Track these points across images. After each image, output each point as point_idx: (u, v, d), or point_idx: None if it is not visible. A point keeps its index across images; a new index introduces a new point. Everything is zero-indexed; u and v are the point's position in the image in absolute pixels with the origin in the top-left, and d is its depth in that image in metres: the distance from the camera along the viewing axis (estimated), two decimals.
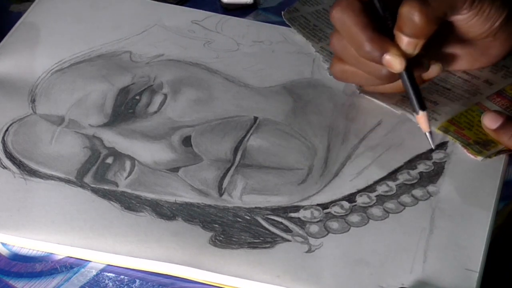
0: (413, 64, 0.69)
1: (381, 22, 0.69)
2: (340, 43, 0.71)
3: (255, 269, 0.63)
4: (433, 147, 0.69)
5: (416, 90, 0.69)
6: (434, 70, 0.72)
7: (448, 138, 0.72)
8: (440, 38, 0.72)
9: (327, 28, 0.83)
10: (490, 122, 0.71)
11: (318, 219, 0.66)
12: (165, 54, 0.81)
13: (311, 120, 0.74)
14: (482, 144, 0.71)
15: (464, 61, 0.74)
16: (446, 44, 0.73)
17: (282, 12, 0.85)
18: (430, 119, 0.72)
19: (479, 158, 0.70)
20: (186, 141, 0.73)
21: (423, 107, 0.68)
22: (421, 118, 0.68)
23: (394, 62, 0.68)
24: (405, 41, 0.68)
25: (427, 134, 0.69)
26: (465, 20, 0.70)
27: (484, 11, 0.69)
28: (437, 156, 0.71)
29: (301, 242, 0.65)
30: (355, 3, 0.69)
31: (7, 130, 0.74)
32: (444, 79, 0.76)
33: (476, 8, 0.69)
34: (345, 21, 0.69)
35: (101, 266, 0.65)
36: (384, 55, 0.67)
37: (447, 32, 0.71)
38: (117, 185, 0.69)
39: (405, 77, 0.68)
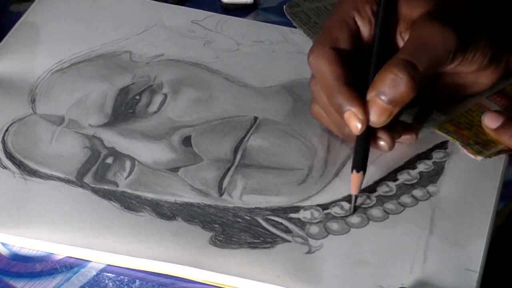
0: (390, 128, 0.67)
1: (356, 77, 0.67)
2: (315, 88, 0.69)
3: (255, 269, 0.63)
4: (351, 211, 0.67)
5: (366, 150, 0.66)
6: (406, 140, 0.70)
7: (448, 138, 0.72)
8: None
9: None
10: (490, 121, 0.70)
11: (318, 220, 0.66)
12: (165, 54, 0.81)
13: (311, 120, 0.74)
14: (482, 144, 0.71)
15: (454, 91, 0.72)
16: (434, 78, 0.70)
17: (284, 6, 0.85)
18: (429, 120, 0.72)
19: (479, 158, 0.70)
20: (186, 141, 0.73)
21: (361, 170, 0.66)
22: (354, 178, 0.66)
23: (353, 122, 0.65)
24: (380, 108, 0.65)
25: (353, 196, 0.66)
26: (450, 69, 0.68)
27: (467, 59, 0.67)
28: (437, 155, 0.71)
29: (301, 243, 0.65)
30: (330, 51, 0.67)
31: (7, 130, 0.74)
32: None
33: (459, 59, 0.67)
34: (320, 68, 0.67)
35: (101, 266, 0.65)
36: (347, 111, 0.65)
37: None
38: (117, 185, 0.69)
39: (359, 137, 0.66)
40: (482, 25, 0.68)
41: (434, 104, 0.74)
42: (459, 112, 0.73)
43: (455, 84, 0.71)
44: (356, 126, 0.65)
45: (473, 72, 0.70)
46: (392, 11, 0.69)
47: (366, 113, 0.65)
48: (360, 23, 0.69)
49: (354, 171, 0.66)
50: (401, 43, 0.69)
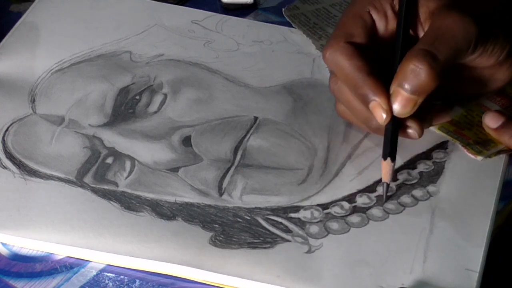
0: (418, 116, 0.67)
1: (374, 70, 0.67)
2: (336, 85, 0.69)
3: (255, 269, 0.63)
4: (384, 198, 0.67)
5: (394, 140, 0.67)
6: (445, 118, 0.70)
7: (448, 138, 0.72)
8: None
9: (327, 26, 0.83)
10: (491, 121, 0.70)
11: (318, 220, 0.66)
12: (165, 54, 0.81)
13: (311, 120, 0.74)
14: (482, 144, 0.71)
15: (471, 86, 0.71)
16: (454, 75, 0.70)
17: (283, 9, 0.85)
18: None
19: (479, 158, 0.70)
20: (186, 141, 0.73)
21: (392, 158, 0.66)
22: (386, 166, 0.66)
23: (379, 112, 0.65)
24: (404, 98, 0.65)
25: (384, 184, 0.67)
26: (469, 61, 0.68)
27: (487, 50, 0.67)
28: (437, 155, 0.71)
29: (301, 242, 0.65)
30: (347, 45, 0.67)
31: (7, 130, 0.74)
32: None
33: (480, 50, 0.67)
34: (339, 63, 0.67)
35: (101, 266, 0.65)
36: (372, 101, 0.65)
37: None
38: (117, 185, 0.69)
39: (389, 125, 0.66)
40: (499, 18, 0.68)
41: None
42: (460, 111, 0.73)
43: (472, 79, 0.71)
44: (381, 116, 0.65)
45: (490, 67, 0.69)
46: (414, 2, 0.69)
47: (390, 103, 0.65)
48: (375, 17, 0.69)
49: (382, 159, 0.66)
50: (422, 34, 0.69)
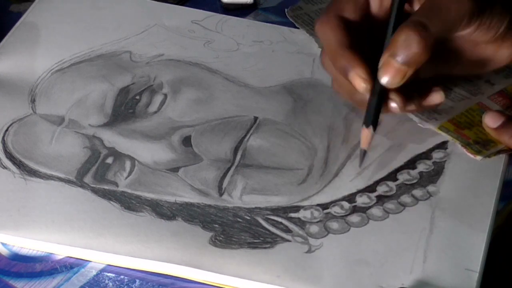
0: (404, 93, 0.67)
1: (361, 46, 0.67)
2: (325, 59, 0.70)
3: (255, 269, 0.63)
4: (359, 166, 0.68)
5: (377, 109, 0.67)
6: (435, 99, 0.69)
7: (448, 137, 0.72)
8: (446, 46, 0.69)
9: None
10: (491, 121, 0.70)
11: (318, 219, 0.66)
12: (165, 54, 0.81)
13: (311, 120, 0.74)
14: (481, 143, 0.71)
15: (472, 65, 0.72)
16: (452, 50, 0.70)
17: (286, 10, 0.85)
18: (430, 118, 0.72)
19: (478, 157, 0.70)
20: (186, 141, 0.73)
21: (373, 126, 0.66)
22: (365, 133, 0.67)
23: (358, 82, 0.66)
24: (394, 68, 0.64)
25: (361, 150, 0.67)
26: (466, 34, 0.68)
27: (484, 23, 0.67)
28: (437, 155, 0.71)
29: (301, 242, 0.65)
30: (336, 19, 0.68)
31: (7, 130, 0.74)
32: (447, 79, 0.76)
33: (476, 23, 0.67)
34: (324, 35, 0.68)
35: (101, 266, 0.65)
36: (350, 72, 0.66)
37: (452, 39, 0.69)
38: (117, 185, 0.69)
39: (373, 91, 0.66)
40: None
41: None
42: (460, 111, 0.73)
43: (475, 57, 0.70)
44: (360, 85, 0.65)
45: (492, 43, 0.69)
46: None
47: (368, 72, 0.65)
48: None
49: (364, 126, 0.66)
50: None
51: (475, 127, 0.72)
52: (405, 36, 0.64)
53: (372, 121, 0.67)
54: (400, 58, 0.64)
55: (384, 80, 0.65)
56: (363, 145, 0.67)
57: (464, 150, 0.71)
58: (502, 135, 0.70)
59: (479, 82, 0.76)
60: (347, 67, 0.66)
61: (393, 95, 0.67)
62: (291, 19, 0.84)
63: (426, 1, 0.67)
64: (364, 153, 0.68)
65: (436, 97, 0.69)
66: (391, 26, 0.68)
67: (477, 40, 0.69)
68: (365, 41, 0.68)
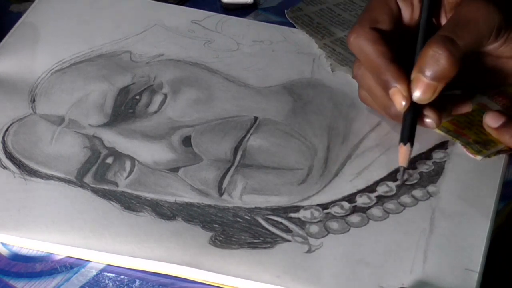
0: (437, 106, 0.67)
1: (398, 56, 0.68)
2: (359, 71, 0.70)
3: (255, 269, 0.63)
4: (399, 182, 0.68)
5: (413, 126, 0.67)
6: (464, 109, 0.70)
7: (448, 137, 0.72)
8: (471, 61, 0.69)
9: (331, 25, 0.84)
10: (492, 121, 0.70)
11: (318, 219, 0.66)
12: (165, 54, 0.81)
13: (311, 120, 0.74)
14: (482, 143, 0.71)
15: (494, 77, 0.72)
16: (477, 63, 0.70)
17: (286, 11, 0.85)
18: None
19: (478, 157, 0.70)
20: (186, 141, 0.73)
21: (410, 142, 0.67)
22: (402, 150, 0.67)
23: (398, 99, 0.66)
24: (424, 84, 0.65)
25: (401, 168, 0.68)
26: (493, 49, 0.68)
27: (511, 38, 0.67)
28: (437, 155, 0.71)
29: (301, 242, 0.65)
30: (371, 31, 0.68)
31: (7, 130, 0.74)
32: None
33: (503, 38, 0.67)
34: (363, 48, 0.68)
35: (101, 266, 0.65)
36: (393, 87, 0.66)
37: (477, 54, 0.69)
38: (117, 185, 0.69)
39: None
40: None
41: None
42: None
43: (496, 70, 0.71)
44: (401, 103, 0.66)
45: None
46: None
47: (409, 90, 0.66)
48: (401, 4, 0.70)
49: (401, 143, 0.67)
50: None
51: (475, 127, 0.72)
52: (433, 52, 0.65)
53: (409, 137, 0.67)
54: (429, 74, 0.65)
55: (415, 96, 0.66)
56: (402, 162, 0.67)
57: (464, 150, 0.71)
58: (503, 134, 0.70)
59: None
60: (390, 82, 0.66)
61: (428, 112, 0.67)
62: (291, 20, 0.84)
63: (454, 14, 0.67)
64: (404, 170, 0.68)
65: (466, 107, 0.70)
66: (420, 40, 0.68)
67: (503, 54, 0.69)
68: (398, 52, 0.68)
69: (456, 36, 0.65)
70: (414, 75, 0.66)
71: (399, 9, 0.70)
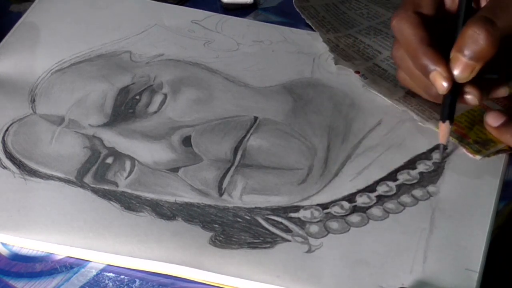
0: (487, 86, 0.68)
1: (438, 40, 0.69)
2: (398, 53, 0.71)
3: (255, 269, 0.63)
4: (439, 159, 0.70)
5: (453, 102, 0.68)
6: (501, 92, 0.71)
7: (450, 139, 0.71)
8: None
9: (335, 21, 0.84)
10: (492, 120, 0.71)
11: (318, 219, 0.66)
12: (165, 54, 0.81)
13: (311, 120, 0.74)
14: (481, 143, 0.71)
15: None
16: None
17: (294, 1, 0.85)
18: (430, 118, 0.72)
19: (478, 157, 0.70)
20: (186, 141, 0.73)
21: (450, 119, 0.68)
22: (443, 128, 0.69)
23: (439, 81, 0.67)
24: (463, 64, 0.66)
25: (441, 145, 0.69)
26: None
27: None
28: (437, 155, 0.71)
29: (301, 242, 0.65)
30: (414, 15, 0.69)
31: (7, 130, 0.74)
32: None
33: None
34: (404, 32, 0.69)
35: (101, 266, 0.65)
36: (432, 71, 0.67)
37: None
38: (117, 185, 0.69)
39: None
40: None
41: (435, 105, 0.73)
42: (461, 112, 0.73)
43: None
44: (442, 84, 0.67)
45: None
46: None
47: (450, 71, 0.67)
48: None
49: (441, 121, 0.68)
50: None
51: (475, 127, 0.72)
52: (472, 31, 0.66)
53: (449, 115, 0.68)
54: (467, 53, 0.66)
55: (454, 75, 0.67)
56: (442, 140, 0.69)
57: (464, 150, 0.71)
58: (504, 134, 0.70)
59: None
60: (429, 66, 0.67)
61: (469, 88, 0.68)
62: (297, 9, 0.84)
63: None
64: (444, 148, 0.69)
65: (503, 91, 0.71)
66: (460, 21, 0.69)
67: None
68: (440, 36, 0.69)
69: (496, 17, 0.66)
70: (453, 54, 0.67)
71: None
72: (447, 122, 0.68)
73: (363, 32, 0.83)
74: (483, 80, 0.69)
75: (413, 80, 0.71)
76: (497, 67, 0.69)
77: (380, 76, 0.78)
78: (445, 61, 0.67)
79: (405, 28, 0.69)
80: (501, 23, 0.66)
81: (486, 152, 0.70)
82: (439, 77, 0.67)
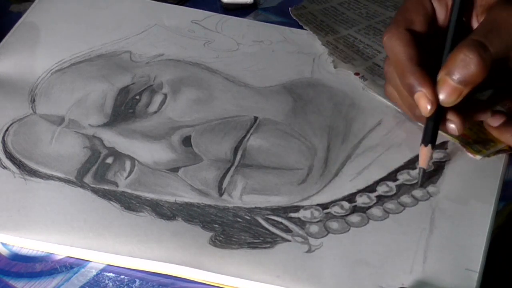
0: (461, 111, 0.67)
1: (430, 57, 0.68)
2: (389, 68, 0.70)
3: (255, 269, 0.63)
4: (418, 184, 0.68)
5: (435, 128, 0.67)
6: (484, 116, 0.70)
7: (448, 137, 0.71)
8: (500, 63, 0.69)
9: (334, 24, 0.84)
10: (492, 120, 0.70)
11: (318, 219, 0.66)
12: (165, 54, 0.81)
13: (311, 120, 0.74)
14: (481, 143, 0.71)
15: None
16: (505, 67, 0.70)
17: (290, 9, 0.85)
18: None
19: (478, 157, 0.70)
20: (186, 141, 0.73)
21: (432, 144, 0.67)
22: (424, 152, 0.67)
23: (423, 103, 0.66)
24: (450, 87, 0.65)
25: (420, 169, 0.68)
26: None
27: None
28: (437, 156, 0.71)
29: (301, 242, 0.65)
30: (405, 33, 0.68)
31: (7, 130, 0.74)
32: None
33: None
34: (394, 49, 0.68)
35: (101, 266, 0.65)
36: (418, 91, 0.66)
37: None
38: (117, 185, 0.69)
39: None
40: None
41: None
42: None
43: None
44: (426, 107, 0.66)
45: None
46: None
47: (435, 94, 0.65)
48: (436, 5, 0.70)
49: (423, 145, 0.67)
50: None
51: (475, 127, 0.72)
52: (464, 55, 0.64)
53: (431, 139, 0.67)
54: (456, 77, 0.65)
55: (439, 98, 0.65)
56: (423, 164, 0.68)
57: (464, 150, 0.71)
58: (504, 133, 0.70)
59: None
60: (415, 86, 0.66)
61: (451, 116, 0.67)
62: (294, 17, 0.84)
63: (486, 19, 0.67)
64: (423, 172, 0.68)
65: (486, 115, 0.70)
66: (448, 42, 0.68)
67: None
68: (430, 53, 0.68)
69: (489, 42, 0.65)
70: (441, 76, 0.66)
71: (434, 10, 0.70)
72: (429, 147, 0.67)
73: (362, 32, 0.83)
74: (471, 101, 0.68)
75: (400, 98, 0.70)
76: (487, 86, 0.68)
77: (380, 75, 0.77)
78: (432, 83, 0.66)
79: (395, 46, 0.68)
80: (494, 49, 0.65)
81: (486, 152, 0.70)
82: (424, 99, 0.65)
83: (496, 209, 0.67)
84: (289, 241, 0.65)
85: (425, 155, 0.67)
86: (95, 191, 0.69)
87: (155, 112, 0.75)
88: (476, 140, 0.71)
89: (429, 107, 0.65)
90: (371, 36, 0.82)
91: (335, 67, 0.79)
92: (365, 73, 0.78)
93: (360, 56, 0.80)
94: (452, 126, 0.67)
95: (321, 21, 0.84)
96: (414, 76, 0.66)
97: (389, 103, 0.75)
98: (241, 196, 0.68)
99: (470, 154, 0.70)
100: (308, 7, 0.86)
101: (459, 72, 0.64)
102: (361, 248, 0.64)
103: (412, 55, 0.67)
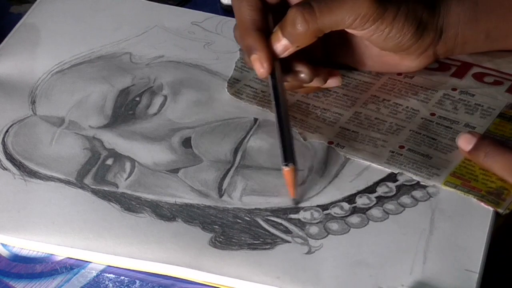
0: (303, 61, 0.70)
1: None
2: (236, 33, 0.72)
3: (255, 270, 0.63)
4: (293, 202, 0.68)
5: (288, 139, 0.67)
6: (335, 82, 0.73)
7: (459, 193, 0.67)
8: (349, 39, 0.73)
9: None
10: (464, 144, 0.69)
11: (318, 220, 0.66)
12: (165, 56, 0.81)
13: None
14: (495, 194, 0.67)
15: (379, 66, 0.75)
16: (357, 45, 0.74)
17: (226, 89, 0.77)
18: (431, 175, 0.69)
19: (500, 210, 0.66)
20: (186, 143, 0.73)
21: (291, 161, 0.66)
22: (286, 173, 0.66)
23: (257, 67, 0.69)
24: (280, 42, 0.68)
25: (293, 201, 0.67)
26: (363, 36, 0.70)
27: (382, 31, 0.69)
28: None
29: (301, 243, 0.65)
30: None
31: (7, 131, 0.74)
32: (425, 127, 0.72)
33: (370, 28, 0.68)
34: (240, 10, 0.70)
35: (101, 267, 0.65)
36: (253, 54, 0.69)
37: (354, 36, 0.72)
38: (117, 186, 0.69)
39: (277, 123, 0.68)
40: (405, 5, 0.69)
41: (427, 158, 0.70)
42: (457, 163, 0.69)
43: (381, 60, 0.74)
44: (259, 69, 0.69)
45: (395, 53, 0.72)
46: None
47: (270, 59, 0.69)
48: None
49: (283, 167, 0.66)
50: None
51: (480, 177, 0.68)
52: (292, 14, 0.68)
53: (290, 157, 0.66)
54: (285, 33, 0.68)
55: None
56: (292, 192, 0.67)
57: (482, 204, 0.67)
58: (476, 156, 0.68)
59: (459, 127, 0.72)
60: (252, 49, 0.69)
61: (299, 67, 0.70)
62: (234, 97, 0.76)
63: None
64: (297, 204, 0.68)
65: (337, 80, 0.72)
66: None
67: (378, 45, 0.71)
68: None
69: (317, 7, 0.67)
70: (274, 29, 0.69)
71: None
72: (291, 166, 0.66)
73: (311, 95, 0.76)
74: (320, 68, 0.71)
75: (245, 58, 0.72)
76: (330, 56, 0.72)
77: (355, 140, 0.72)
78: (268, 49, 0.69)
79: (241, 7, 0.70)
80: (321, 16, 0.67)
81: (505, 204, 0.66)
82: (257, 62, 0.68)
83: None
84: (289, 242, 0.65)
85: (289, 178, 0.67)
86: (95, 192, 0.69)
87: (155, 113, 0.75)
88: (488, 191, 0.67)
89: (261, 70, 0.68)
90: (323, 99, 0.76)
91: (304, 140, 0.72)
92: (339, 140, 0.72)
93: (322, 122, 0.74)
94: (302, 75, 0.70)
95: (262, 91, 0.76)
96: (252, 39, 0.69)
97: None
98: (241, 197, 0.68)
99: (491, 208, 0.66)
100: (240, 78, 0.78)
101: (288, 30, 0.68)
102: (361, 249, 0.64)
103: (255, 19, 0.70)
